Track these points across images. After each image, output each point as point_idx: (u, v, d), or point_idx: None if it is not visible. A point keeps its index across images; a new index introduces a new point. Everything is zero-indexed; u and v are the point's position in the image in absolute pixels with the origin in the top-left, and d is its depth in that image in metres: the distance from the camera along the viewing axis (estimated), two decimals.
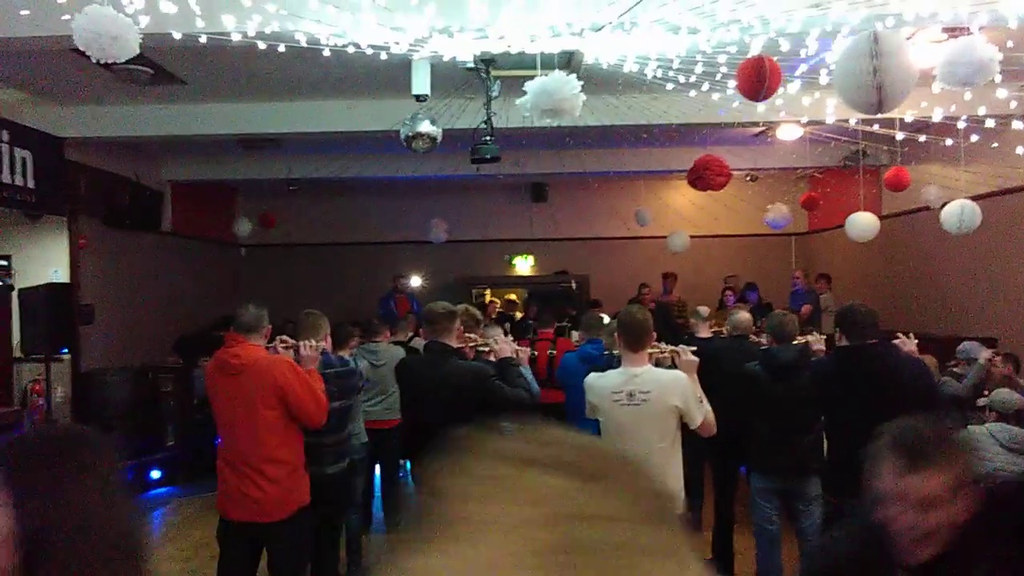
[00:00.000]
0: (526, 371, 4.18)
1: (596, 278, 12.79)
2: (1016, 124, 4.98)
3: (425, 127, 5.81)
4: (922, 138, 6.45)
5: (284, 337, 4.25)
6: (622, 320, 3.79)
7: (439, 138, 5.91)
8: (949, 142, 6.34)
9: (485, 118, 5.81)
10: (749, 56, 4.56)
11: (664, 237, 10.75)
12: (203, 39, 4.16)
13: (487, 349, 4.19)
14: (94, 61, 3.64)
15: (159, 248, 9.97)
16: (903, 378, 3.85)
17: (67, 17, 3.60)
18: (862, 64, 3.68)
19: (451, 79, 5.77)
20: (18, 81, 6.57)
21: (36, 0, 4.19)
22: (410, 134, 5.83)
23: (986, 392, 5.21)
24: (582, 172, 10.68)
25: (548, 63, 4.60)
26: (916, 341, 4.35)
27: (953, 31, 4.47)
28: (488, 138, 5.90)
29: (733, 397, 4.50)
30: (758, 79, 4.47)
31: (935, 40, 4.92)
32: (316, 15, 4.16)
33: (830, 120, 6.13)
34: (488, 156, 5.93)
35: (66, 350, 7.55)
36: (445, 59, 5.00)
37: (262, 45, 4.29)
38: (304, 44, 4.37)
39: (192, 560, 5.81)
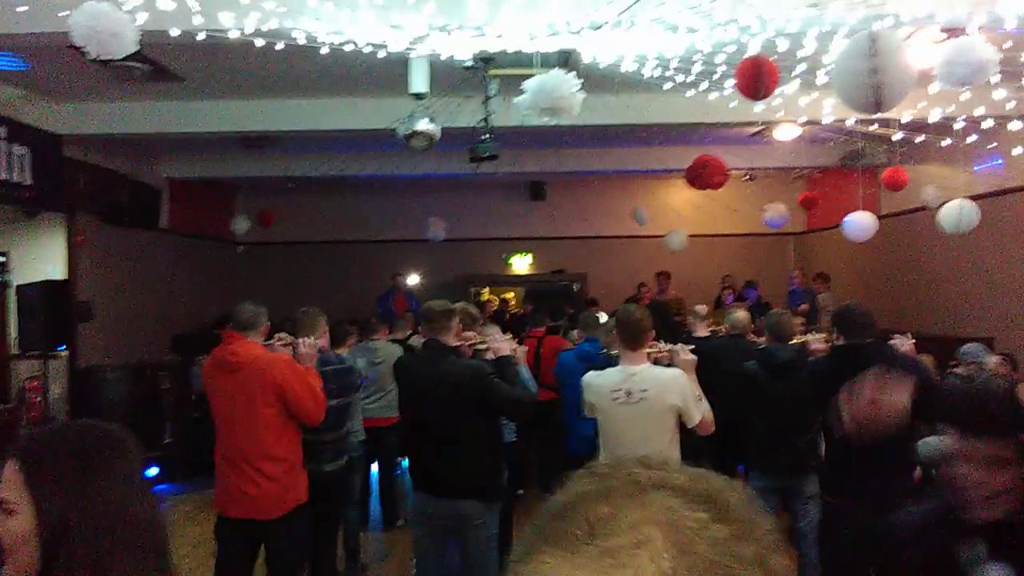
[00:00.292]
0: (524, 369, 4.18)
1: (594, 277, 12.79)
2: (1014, 124, 4.98)
3: (423, 125, 5.80)
4: (920, 138, 6.45)
5: (282, 335, 4.25)
6: (620, 319, 3.79)
7: (437, 136, 5.90)
8: (947, 142, 6.35)
9: (483, 116, 5.81)
10: (747, 56, 4.56)
11: (662, 236, 10.76)
12: (201, 36, 4.14)
13: (485, 347, 4.20)
14: (92, 58, 3.63)
15: (157, 245, 9.94)
16: None
17: (65, 13, 3.58)
18: (860, 64, 3.68)
19: (449, 77, 5.76)
20: (16, 78, 6.56)
21: None
22: (408, 132, 5.82)
23: None
24: (580, 171, 10.69)
25: (546, 62, 4.60)
26: (913, 341, 4.35)
27: (951, 31, 4.47)
28: (486, 136, 5.90)
29: (731, 396, 4.51)
30: (756, 79, 4.48)
31: (933, 40, 4.92)
32: (314, 13, 4.16)
33: (828, 120, 6.13)
34: (486, 154, 5.93)
35: (63, 347, 7.52)
36: (443, 57, 4.99)
37: (260, 43, 4.28)
38: (302, 42, 4.35)
39: (190, 557, 5.81)
